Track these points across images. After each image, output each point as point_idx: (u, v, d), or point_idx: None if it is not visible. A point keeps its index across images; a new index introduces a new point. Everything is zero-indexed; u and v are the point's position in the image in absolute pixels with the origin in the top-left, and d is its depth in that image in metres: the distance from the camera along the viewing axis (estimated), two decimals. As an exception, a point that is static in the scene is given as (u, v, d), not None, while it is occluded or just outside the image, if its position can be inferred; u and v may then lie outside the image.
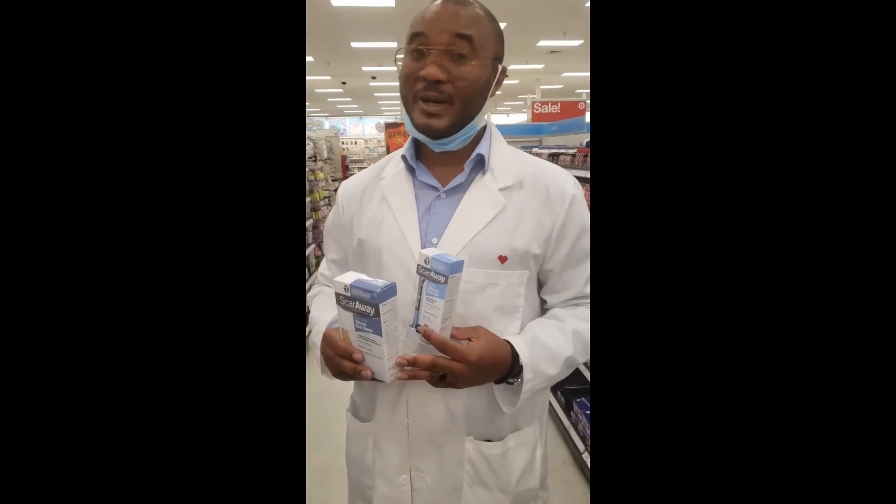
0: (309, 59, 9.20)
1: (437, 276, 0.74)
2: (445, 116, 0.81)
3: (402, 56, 0.84)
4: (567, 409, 2.49)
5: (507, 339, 0.82)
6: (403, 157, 0.89)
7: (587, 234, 0.89)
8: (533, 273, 0.88)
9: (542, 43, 8.67)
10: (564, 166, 2.71)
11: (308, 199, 4.41)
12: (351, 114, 21.18)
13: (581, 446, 2.28)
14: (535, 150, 3.53)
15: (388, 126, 8.26)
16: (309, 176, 4.54)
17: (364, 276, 0.73)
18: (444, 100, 0.80)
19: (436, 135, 0.82)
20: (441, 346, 0.76)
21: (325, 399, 2.56)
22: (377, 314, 0.70)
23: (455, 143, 0.85)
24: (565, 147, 2.98)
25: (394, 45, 7.88)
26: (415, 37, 0.80)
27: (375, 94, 14.97)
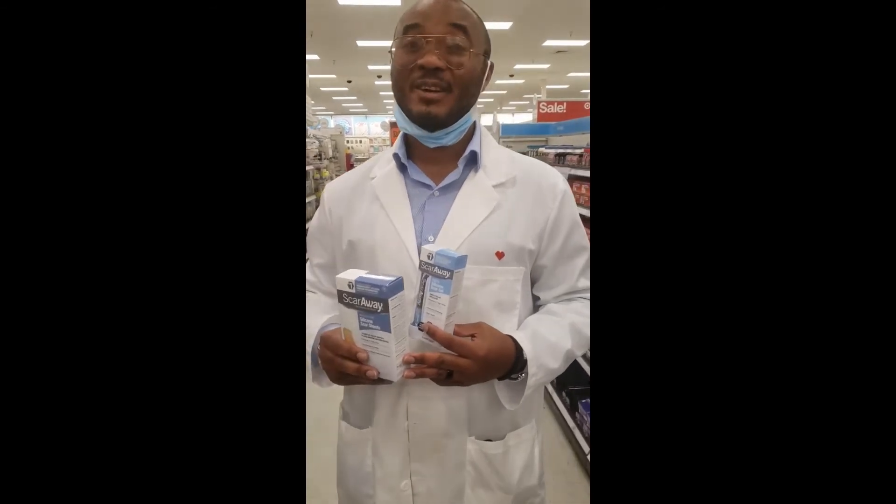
0: (314, 57, 9.21)
1: (441, 271, 0.73)
2: (444, 104, 0.80)
3: (394, 50, 0.83)
4: (572, 409, 2.49)
5: (510, 334, 0.82)
6: (395, 156, 0.88)
7: (578, 228, 0.91)
8: (528, 269, 0.88)
9: (548, 43, 8.66)
10: (571, 166, 2.70)
11: (314, 198, 4.42)
12: (356, 112, 21.21)
13: (586, 447, 2.27)
14: (541, 149, 3.52)
15: (394, 125, 8.27)
16: (314, 174, 4.55)
17: (367, 273, 0.72)
18: (444, 87, 0.80)
19: (435, 124, 0.82)
20: (447, 343, 0.75)
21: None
22: (386, 309, 0.69)
23: (451, 136, 0.85)
24: (572, 147, 2.97)
25: (399, 43, 7.86)
26: (409, 29, 0.80)
27: (381, 93, 14.99)
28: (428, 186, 0.87)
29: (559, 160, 2.95)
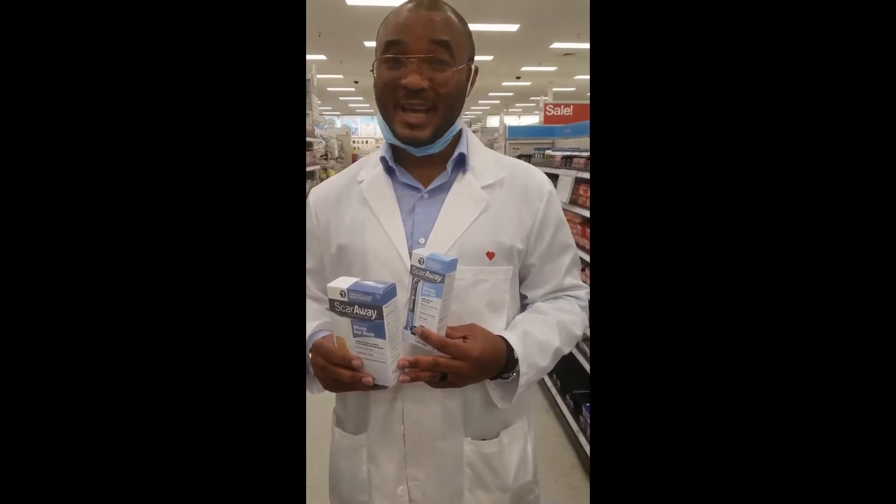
0: (322, 57, 9.24)
1: (432, 275, 0.74)
2: (428, 126, 0.80)
3: (376, 65, 0.82)
4: (576, 413, 2.48)
5: (501, 334, 0.83)
6: (383, 159, 0.88)
7: (564, 227, 0.92)
8: (516, 268, 0.89)
9: (556, 45, 8.65)
10: (578, 169, 2.69)
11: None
12: (363, 113, 21.27)
13: (589, 450, 2.26)
14: (548, 151, 3.51)
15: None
16: (320, 174, 4.56)
17: (359, 280, 0.72)
18: (427, 108, 0.80)
19: (419, 144, 0.82)
20: (441, 346, 0.76)
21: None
22: (380, 317, 0.69)
23: (437, 146, 0.85)
24: (578, 150, 2.96)
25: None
26: (391, 45, 0.79)
27: (387, 94, 14.95)
28: (417, 189, 0.87)
29: (566, 163, 2.94)
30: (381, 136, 0.88)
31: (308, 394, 0.87)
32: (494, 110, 19.54)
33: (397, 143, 0.84)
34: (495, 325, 0.86)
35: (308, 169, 3.96)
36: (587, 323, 0.96)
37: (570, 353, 1.00)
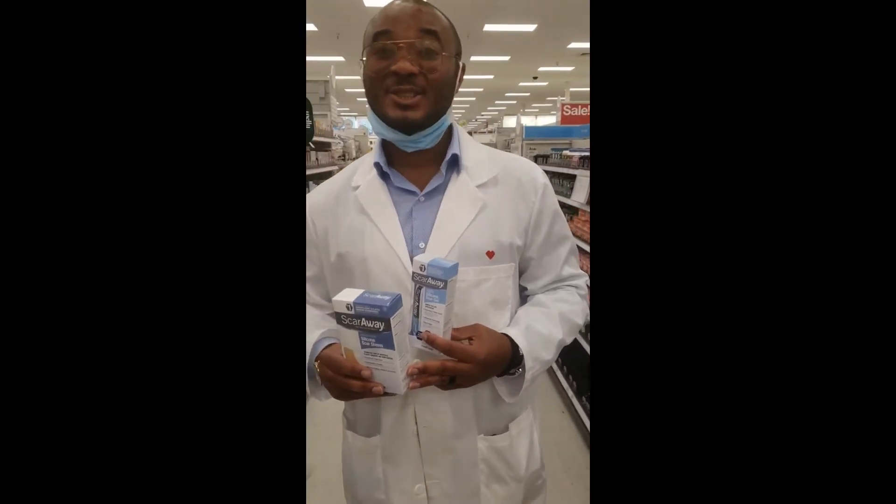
0: (340, 58, 9.30)
1: (435, 281, 0.74)
2: (421, 108, 0.80)
3: (365, 57, 0.82)
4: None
5: (504, 332, 0.84)
6: (376, 165, 0.87)
7: (560, 218, 0.93)
8: (516, 264, 0.90)
9: (573, 45, 8.60)
10: (594, 169, 2.67)
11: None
12: (379, 114, 21.26)
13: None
14: (565, 152, 3.49)
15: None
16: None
17: (363, 292, 0.72)
18: (418, 91, 0.79)
19: (412, 127, 0.81)
20: (448, 350, 0.76)
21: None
22: (388, 328, 0.69)
23: (428, 138, 0.84)
24: (596, 150, 2.95)
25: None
26: (380, 35, 0.79)
27: (404, 95, 14.97)
28: (413, 193, 0.87)
29: (583, 163, 2.93)
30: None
31: (316, 400, 0.89)
32: (511, 111, 19.48)
33: (389, 133, 0.83)
34: (499, 322, 0.87)
35: (326, 169, 3.99)
36: (587, 311, 0.97)
37: (587, 355, 1.00)
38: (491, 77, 11.69)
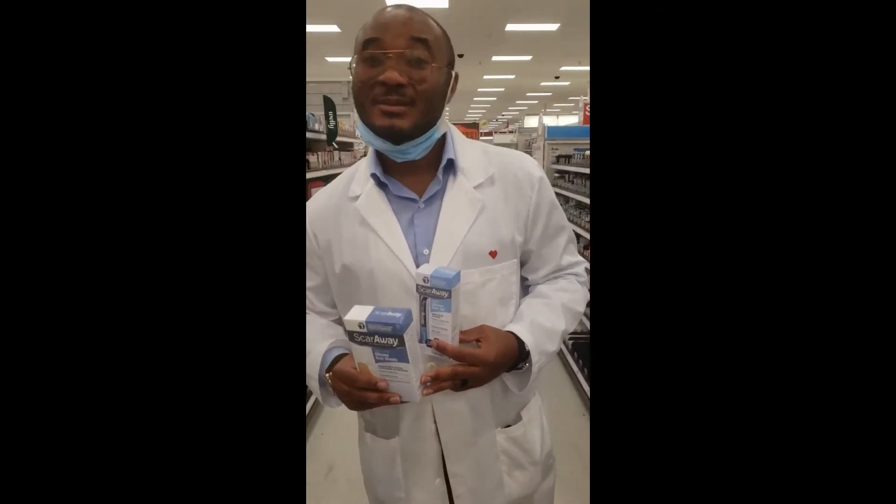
0: (362, 59, 9.34)
1: (439, 292, 0.76)
2: (408, 117, 0.78)
3: (354, 65, 0.81)
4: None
5: (510, 329, 0.85)
6: (373, 176, 0.87)
7: (556, 209, 0.94)
8: (518, 259, 0.92)
9: (596, 44, 8.50)
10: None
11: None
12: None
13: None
14: (588, 152, 3.47)
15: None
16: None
17: (374, 309, 0.72)
18: (406, 102, 0.78)
19: (399, 137, 0.80)
20: (458, 357, 0.78)
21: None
22: (402, 343, 0.70)
23: (418, 149, 0.83)
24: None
25: (446, 46, 7.90)
26: (369, 43, 0.78)
27: (426, 95, 15.00)
28: (412, 200, 0.87)
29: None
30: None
31: (328, 407, 0.90)
32: (532, 111, 19.39)
33: (378, 143, 0.82)
34: (506, 317, 0.89)
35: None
36: (588, 296, 0.98)
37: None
38: (512, 77, 11.65)
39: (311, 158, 3.06)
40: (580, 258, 1.00)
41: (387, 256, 0.84)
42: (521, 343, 0.84)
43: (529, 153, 6.07)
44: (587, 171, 3.22)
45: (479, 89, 13.53)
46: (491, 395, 0.90)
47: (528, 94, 15.40)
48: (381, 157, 0.89)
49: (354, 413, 1.02)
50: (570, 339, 3.20)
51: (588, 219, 3.23)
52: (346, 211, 0.89)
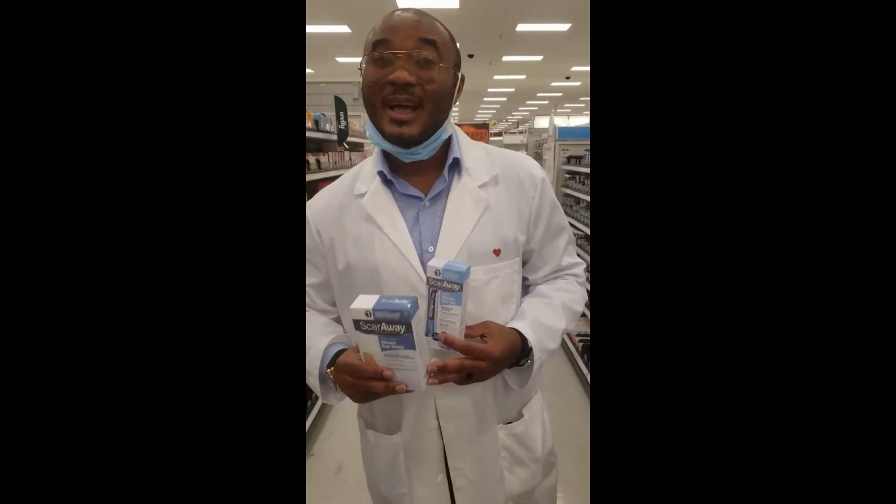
0: (373, 60, 9.37)
1: (451, 285, 0.77)
2: (416, 123, 0.80)
3: (363, 66, 0.83)
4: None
5: (513, 326, 0.86)
6: (380, 173, 0.88)
7: (557, 210, 0.96)
8: (520, 258, 0.93)
9: (608, 44, 8.47)
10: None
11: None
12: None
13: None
14: (597, 152, 3.45)
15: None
16: (369, 175, 4.62)
17: (379, 297, 0.73)
18: (415, 104, 0.80)
19: (408, 143, 0.82)
20: (466, 350, 0.79)
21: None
22: (409, 330, 0.71)
23: (426, 150, 0.85)
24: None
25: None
26: (378, 44, 0.80)
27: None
28: (418, 198, 0.88)
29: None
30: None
31: (328, 402, 0.91)
32: (543, 111, 19.34)
33: (387, 145, 0.84)
34: (508, 315, 0.90)
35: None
36: (587, 297, 1.02)
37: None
38: (523, 77, 11.63)
39: (322, 158, 3.08)
40: (579, 260, 1.02)
41: (392, 253, 0.85)
42: (523, 340, 0.85)
43: (539, 154, 6.05)
44: (597, 171, 3.20)
45: (489, 89, 13.52)
46: (493, 391, 0.91)
47: (539, 95, 15.37)
48: (387, 156, 0.90)
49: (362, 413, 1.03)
50: (579, 340, 3.18)
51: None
52: (352, 208, 0.90)
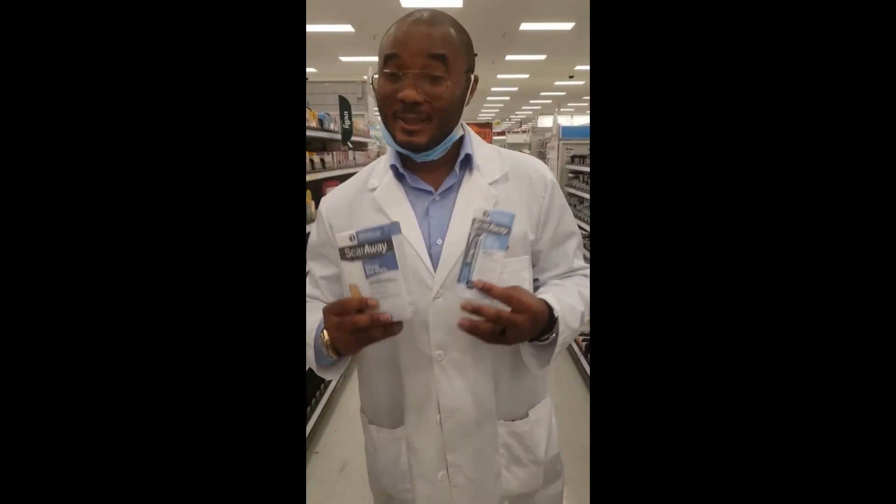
0: (376, 59, 9.38)
1: (498, 227, 0.75)
2: (425, 133, 0.83)
3: (377, 76, 0.85)
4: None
5: (539, 296, 0.84)
6: (393, 167, 0.90)
7: (567, 213, 0.97)
8: (529, 256, 0.93)
9: (611, 43, 8.44)
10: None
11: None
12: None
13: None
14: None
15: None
16: (373, 174, 4.63)
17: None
18: (423, 119, 0.82)
19: (417, 149, 0.85)
20: (505, 297, 0.76)
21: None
22: (391, 248, 0.72)
23: (436, 153, 0.88)
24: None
25: (460, 45, 7.88)
26: (389, 59, 0.82)
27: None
28: (428, 192, 0.90)
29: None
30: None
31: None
32: (546, 110, 19.32)
33: (398, 148, 0.87)
34: None
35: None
36: None
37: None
38: (526, 76, 11.62)
39: (327, 158, 3.09)
40: (586, 264, 1.02)
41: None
42: (550, 311, 0.83)
43: (543, 153, 6.04)
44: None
45: (492, 88, 13.50)
46: (496, 386, 0.91)
47: (542, 94, 15.35)
48: (400, 153, 0.92)
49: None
50: (582, 340, 3.19)
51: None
52: (364, 201, 0.93)
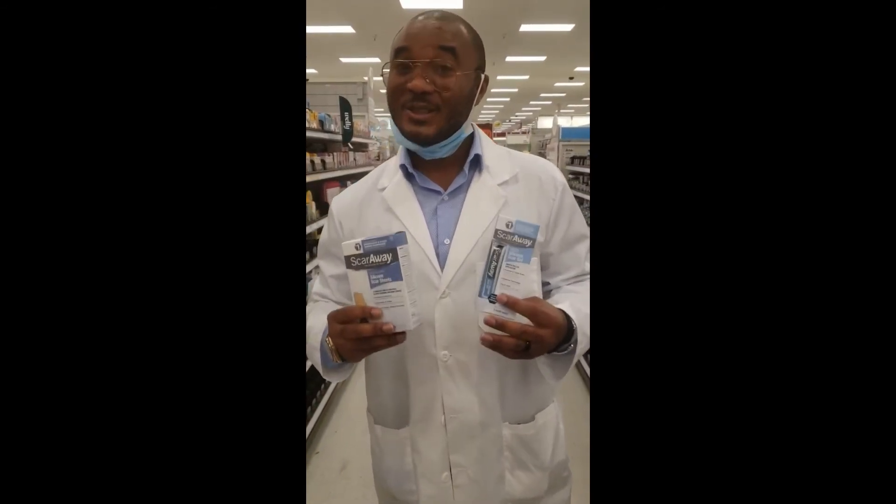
0: (377, 60, 9.40)
1: (522, 239, 0.73)
2: (433, 124, 0.84)
3: (387, 70, 0.86)
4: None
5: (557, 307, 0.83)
6: (402, 167, 0.91)
7: (578, 216, 0.96)
8: (539, 258, 0.92)
9: (611, 44, 8.45)
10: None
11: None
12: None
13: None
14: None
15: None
16: (373, 175, 4.64)
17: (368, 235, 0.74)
18: (432, 109, 0.83)
19: (425, 141, 0.85)
20: (531, 313, 0.74)
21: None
22: (395, 258, 0.72)
23: (444, 150, 0.88)
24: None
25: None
26: (399, 52, 0.83)
27: (439, 96, 14.99)
28: (437, 192, 0.90)
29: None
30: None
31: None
32: (546, 111, 19.32)
33: (407, 143, 0.87)
34: None
35: (362, 169, 4.05)
36: None
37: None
38: (526, 77, 11.63)
39: (328, 159, 3.09)
40: None
41: (408, 244, 0.85)
42: (568, 321, 0.81)
43: (543, 154, 6.05)
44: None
45: (492, 90, 13.52)
46: (501, 388, 0.91)
47: (542, 95, 15.35)
48: (410, 152, 0.93)
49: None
50: (582, 340, 3.18)
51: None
52: (373, 200, 0.93)
